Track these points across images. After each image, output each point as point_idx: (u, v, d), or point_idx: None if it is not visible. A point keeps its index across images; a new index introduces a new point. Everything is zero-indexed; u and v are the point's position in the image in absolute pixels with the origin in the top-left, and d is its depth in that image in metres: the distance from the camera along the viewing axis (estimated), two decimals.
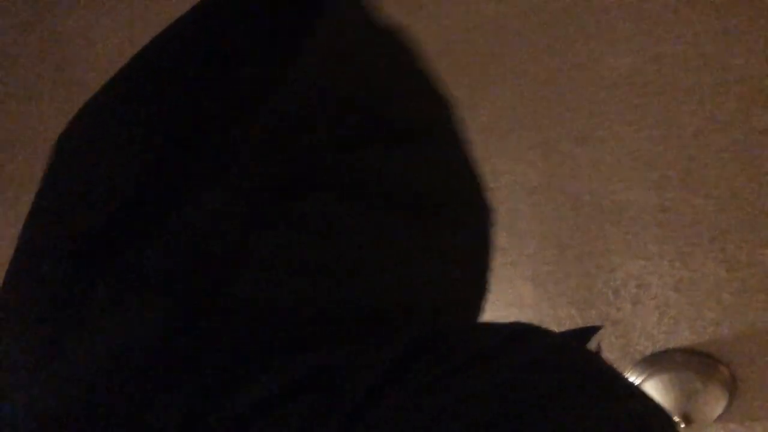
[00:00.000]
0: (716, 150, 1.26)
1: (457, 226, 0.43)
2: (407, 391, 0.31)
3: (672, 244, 1.38)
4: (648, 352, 1.55)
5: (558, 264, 1.44)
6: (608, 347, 1.54)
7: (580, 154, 1.29)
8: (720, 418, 1.60)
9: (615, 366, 0.37)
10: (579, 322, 1.53)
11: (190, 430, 0.31)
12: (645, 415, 0.34)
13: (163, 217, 0.35)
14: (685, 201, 1.32)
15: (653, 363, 1.54)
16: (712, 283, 1.42)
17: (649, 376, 1.55)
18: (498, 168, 1.32)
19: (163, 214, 0.35)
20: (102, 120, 0.40)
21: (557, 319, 1.52)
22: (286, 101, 0.38)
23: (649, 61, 1.17)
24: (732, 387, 1.56)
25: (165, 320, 0.33)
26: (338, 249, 0.37)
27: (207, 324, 0.34)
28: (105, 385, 0.32)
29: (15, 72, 1.22)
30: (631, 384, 0.37)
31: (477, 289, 0.45)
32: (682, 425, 1.52)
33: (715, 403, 1.56)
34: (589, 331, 0.40)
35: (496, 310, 1.51)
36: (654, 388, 1.55)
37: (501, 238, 1.40)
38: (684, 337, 1.51)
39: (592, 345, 0.39)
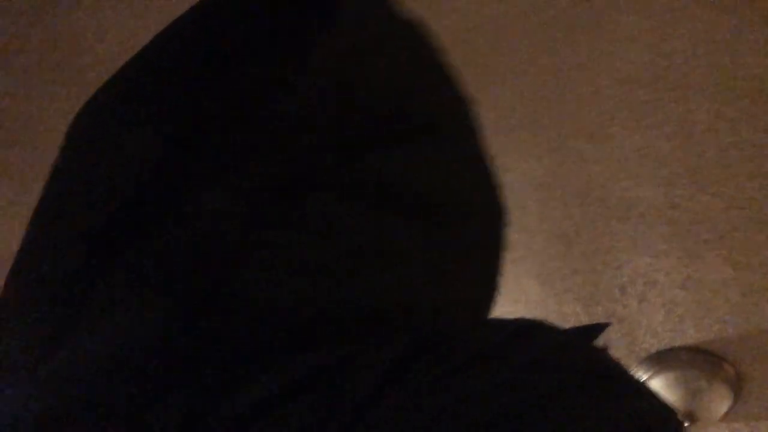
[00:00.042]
0: (725, 148, 1.25)
1: (462, 226, 0.43)
2: (407, 391, 0.31)
3: (679, 241, 1.37)
4: (653, 349, 1.54)
5: (564, 260, 1.44)
6: (613, 344, 1.54)
7: (587, 151, 1.29)
8: (725, 416, 1.60)
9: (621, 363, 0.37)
10: (585, 319, 1.53)
11: (190, 430, 0.31)
12: (648, 414, 0.33)
13: (163, 217, 0.35)
14: (693, 198, 1.32)
15: (658, 361, 1.54)
16: (719, 282, 1.41)
17: (655, 374, 1.55)
18: (504, 164, 1.31)
19: (163, 213, 0.35)
20: (102, 120, 0.40)
21: (563, 315, 1.52)
22: (286, 101, 0.38)
23: (659, 57, 1.17)
24: (737, 386, 1.55)
25: (165, 320, 0.33)
26: (338, 249, 0.37)
27: (207, 324, 0.34)
28: (105, 385, 0.32)
29: (15, 72, 1.22)
30: (638, 381, 0.37)
31: (485, 289, 0.45)
32: (687, 423, 1.52)
33: (720, 402, 1.55)
34: (596, 329, 0.39)
35: (501, 306, 1.49)
36: (659, 386, 1.54)
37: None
38: (690, 336, 1.51)
39: (598, 342, 0.39)
